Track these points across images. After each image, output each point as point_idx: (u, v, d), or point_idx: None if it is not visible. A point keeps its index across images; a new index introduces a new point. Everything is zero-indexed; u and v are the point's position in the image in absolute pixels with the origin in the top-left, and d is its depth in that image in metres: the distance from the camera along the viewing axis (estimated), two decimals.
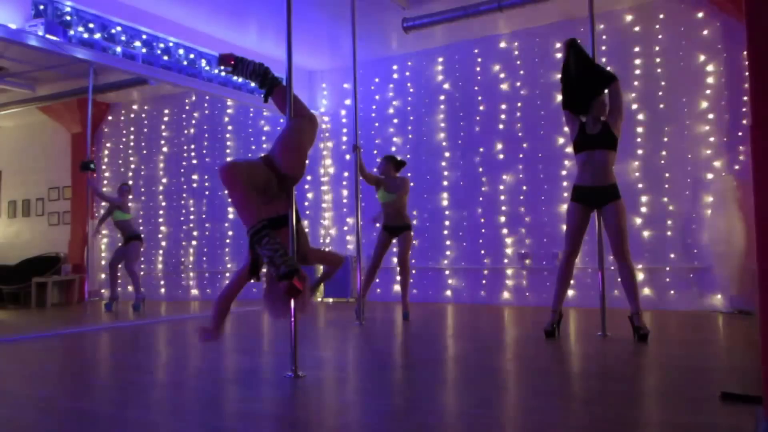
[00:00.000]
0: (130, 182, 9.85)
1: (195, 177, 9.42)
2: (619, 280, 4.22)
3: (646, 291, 6.28)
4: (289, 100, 3.19)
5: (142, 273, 9.69)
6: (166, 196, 9.66)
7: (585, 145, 4.24)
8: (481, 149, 7.38)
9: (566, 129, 6.68)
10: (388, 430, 2.15)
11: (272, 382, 2.96)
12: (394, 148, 7.89)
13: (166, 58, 6.87)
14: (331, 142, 8.60)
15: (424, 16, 6.70)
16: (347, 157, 8.27)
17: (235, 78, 3.13)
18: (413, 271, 7.67)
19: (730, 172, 6.00)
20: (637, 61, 6.53)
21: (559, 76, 6.83)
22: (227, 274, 9.06)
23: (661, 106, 6.40)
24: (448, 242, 7.53)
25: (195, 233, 9.34)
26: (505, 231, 7.17)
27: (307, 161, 3.23)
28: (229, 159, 9.00)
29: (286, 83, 3.27)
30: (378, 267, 5.77)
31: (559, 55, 6.97)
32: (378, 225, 5.86)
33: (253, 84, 3.37)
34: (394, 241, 5.74)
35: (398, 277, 5.79)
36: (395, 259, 5.79)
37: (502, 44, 7.34)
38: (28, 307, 8.87)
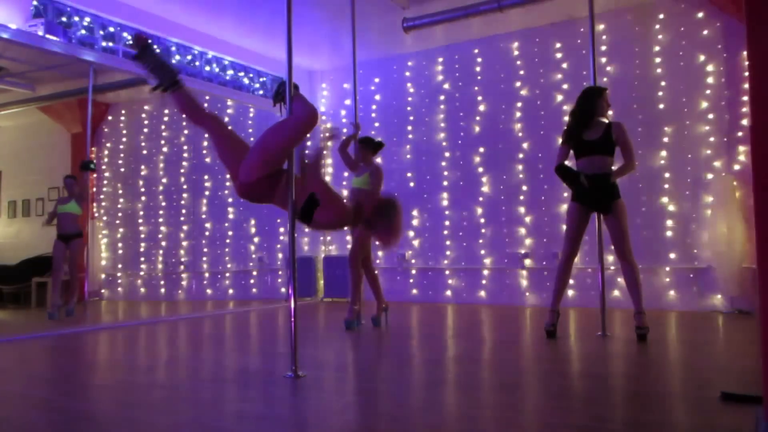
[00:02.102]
0: (133, 181, 9.87)
1: (195, 177, 9.42)
2: (621, 279, 4.23)
3: (646, 291, 6.27)
4: (288, 100, 3.18)
5: (141, 273, 9.70)
6: (166, 196, 9.66)
7: (584, 152, 4.31)
8: (481, 149, 7.37)
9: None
10: (388, 430, 2.15)
11: (272, 382, 2.96)
12: (394, 148, 7.89)
13: None
14: (331, 142, 8.57)
15: (424, 16, 6.70)
16: None
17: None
18: (413, 272, 7.68)
19: (730, 172, 6.00)
20: (637, 61, 6.53)
21: (559, 76, 6.95)
22: (227, 274, 9.06)
23: (661, 106, 6.39)
24: (448, 242, 7.52)
25: (195, 233, 9.33)
26: (505, 231, 7.17)
27: (277, 160, 3.09)
28: None
29: (286, 83, 3.27)
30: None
31: (559, 55, 6.97)
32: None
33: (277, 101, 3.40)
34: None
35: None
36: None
37: (502, 44, 7.34)
38: (28, 307, 8.87)
